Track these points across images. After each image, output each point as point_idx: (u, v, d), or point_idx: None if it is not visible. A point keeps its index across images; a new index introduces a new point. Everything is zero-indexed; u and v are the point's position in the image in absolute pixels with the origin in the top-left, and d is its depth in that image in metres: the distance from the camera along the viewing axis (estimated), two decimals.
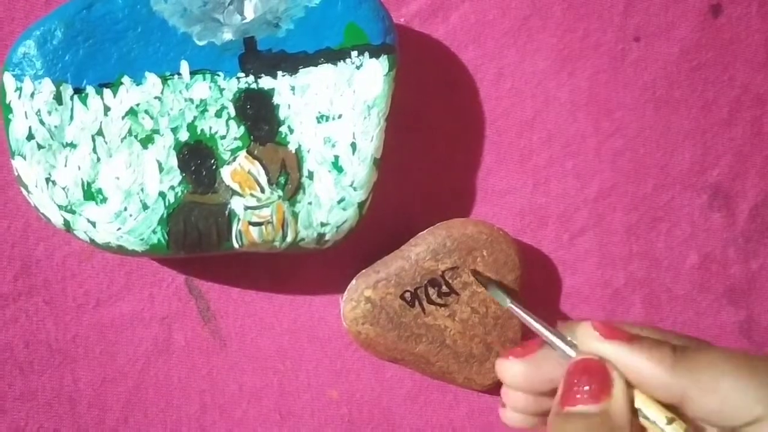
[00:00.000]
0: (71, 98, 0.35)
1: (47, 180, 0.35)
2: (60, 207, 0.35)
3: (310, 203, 0.36)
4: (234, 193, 0.36)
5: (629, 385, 0.30)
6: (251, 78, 0.35)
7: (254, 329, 0.41)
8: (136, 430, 0.40)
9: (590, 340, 0.31)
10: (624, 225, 0.42)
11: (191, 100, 0.35)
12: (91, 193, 0.35)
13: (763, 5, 0.43)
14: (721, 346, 0.33)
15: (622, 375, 0.30)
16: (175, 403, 0.40)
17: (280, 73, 0.36)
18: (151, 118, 0.35)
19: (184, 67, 0.35)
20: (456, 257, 0.38)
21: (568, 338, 0.33)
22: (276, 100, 0.36)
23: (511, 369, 0.33)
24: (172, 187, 0.35)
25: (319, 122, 0.36)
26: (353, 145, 0.36)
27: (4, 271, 0.39)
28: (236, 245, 0.36)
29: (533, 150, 0.42)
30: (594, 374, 0.30)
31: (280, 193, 0.36)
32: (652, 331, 0.33)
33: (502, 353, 0.35)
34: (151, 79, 0.35)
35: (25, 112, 0.34)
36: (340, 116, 0.36)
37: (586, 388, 0.30)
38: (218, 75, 0.35)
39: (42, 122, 0.35)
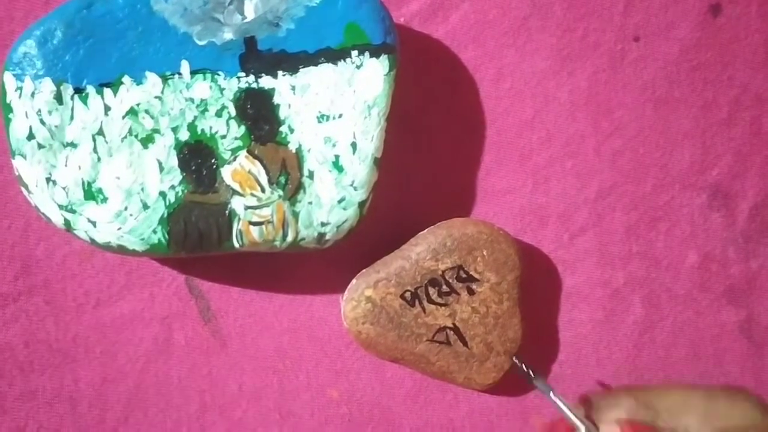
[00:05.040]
0: (72, 98, 0.35)
1: (48, 180, 0.35)
2: (60, 207, 0.35)
3: (310, 203, 0.36)
4: (234, 192, 0.36)
5: None
6: (252, 78, 0.35)
7: (254, 329, 0.41)
8: (137, 430, 0.40)
9: None
10: (624, 224, 0.43)
11: (192, 100, 0.35)
12: (91, 193, 0.35)
13: (763, 5, 0.43)
14: None
15: None
16: (175, 402, 0.40)
17: (280, 72, 0.36)
18: (152, 117, 0.35)
19: (185, 67, 0.35)
20: (456, 257, 0.38)
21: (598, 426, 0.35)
22: (276, 99, 0.36)
23: None
24: (173, 187, 0.35)
25: (319, 122, 0.36)
26: (353, 145, 0.36)
27: (4, 270, 0.39)
28: (237, 245, 0.36)
29: (533, 150, 0.42)
30: None
31: (281, 192, 0.36)
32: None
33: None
34: (152, 79, 0.35)
35: (26, 112, 0.34)
36: (340, 116, 0.36)
37: None
38: (219, 75, 0.35)
39: (42, 122, 0.35)
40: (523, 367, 0.39)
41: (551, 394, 0.37)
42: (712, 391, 0.37)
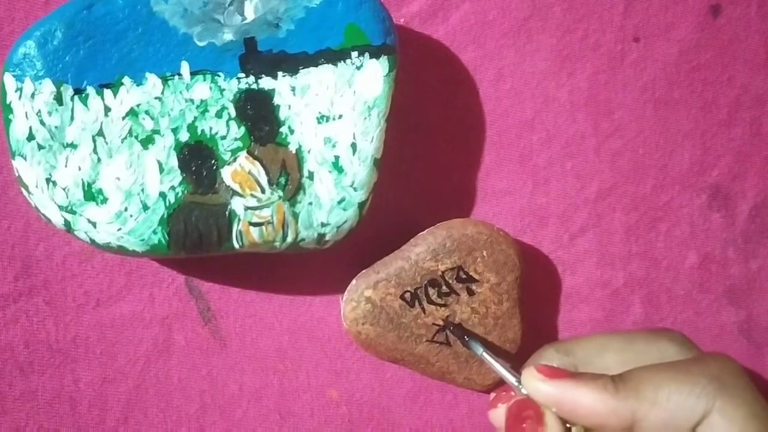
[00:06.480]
0: (72, 99, 0.35)
1: (48, 180, 0.35)
2: (60, 207, 0.35)
3: (310, 203, 0.36)
4: (234, 193, 0.36)
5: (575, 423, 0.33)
6: (251, 78, 0.35)
7: (254, 329, 0.41)
8: (136, 430, 0.40)
9: (535, 383, 0.33)
10: (623, 225, 0.43)
11: (192, 101, 0.35)
12: (91, 194, 0.35)
13: (763, 6, 0.43)
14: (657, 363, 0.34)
15: (552, 411, 0.33)
16: (175, 403, 0.41)
17: (280, 73, 0.36)
18: (152, 118, 0.35)
19: (185, 68, 0.35)
20: (456, 257, 0.38)
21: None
22: (276, 100, 0.36)
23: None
24: (173, 188, 0.35)
25: (319, 123, 0.36)
26: (353, 146, 0.36)
27: (4, 271, 0.39)
28: (237, 245, 0.36)
29: (533, 150, 0.42)
30: (529, 412, 0.33)
31: (281, 193, 0.36)
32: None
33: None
34: (152, 80, 0.35)
35: (26, 113, 0.34)
36: (340, 117, 0.36)
37: (524, 425, 0.33)
38: (219, 75, 0.35)
39: (42, 123, 0.35)
40: (452, 329, 0.38)
41: (483, 352, 0.37)
42: (632, 333, 0.37)
